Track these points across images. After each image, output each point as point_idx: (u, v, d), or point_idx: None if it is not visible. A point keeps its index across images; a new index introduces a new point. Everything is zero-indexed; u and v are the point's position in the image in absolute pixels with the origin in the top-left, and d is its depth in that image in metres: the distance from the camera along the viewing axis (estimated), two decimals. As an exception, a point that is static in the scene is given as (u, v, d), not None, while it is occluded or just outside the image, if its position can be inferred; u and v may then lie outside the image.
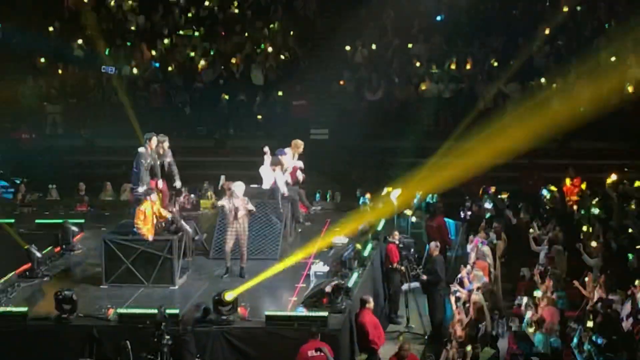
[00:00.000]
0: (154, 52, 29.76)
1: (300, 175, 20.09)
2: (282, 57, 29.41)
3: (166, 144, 18.12)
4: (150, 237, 16.90)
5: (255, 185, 19.43)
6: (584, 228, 20.87)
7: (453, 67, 28.35)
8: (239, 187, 17.56)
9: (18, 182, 25.01)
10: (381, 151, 27.04)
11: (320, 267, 17.33)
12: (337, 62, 29.06)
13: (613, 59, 27.24)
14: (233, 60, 29.22)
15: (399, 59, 28.90)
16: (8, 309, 15.72)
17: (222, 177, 21.55)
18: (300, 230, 20.32)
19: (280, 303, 16.37)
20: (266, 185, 19.31)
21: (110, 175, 25.08)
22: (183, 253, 17.46)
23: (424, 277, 18.79)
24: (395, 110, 27.79)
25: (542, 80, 27.30)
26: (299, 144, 20.01)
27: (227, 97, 28.43)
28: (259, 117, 28.19)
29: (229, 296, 15.23)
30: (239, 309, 15.31)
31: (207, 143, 28.02)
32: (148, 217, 16.92)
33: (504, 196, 23.16)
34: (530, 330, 16.29)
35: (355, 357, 15.80)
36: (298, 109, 27.89)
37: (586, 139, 26.36)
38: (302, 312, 15.40)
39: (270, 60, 29.03)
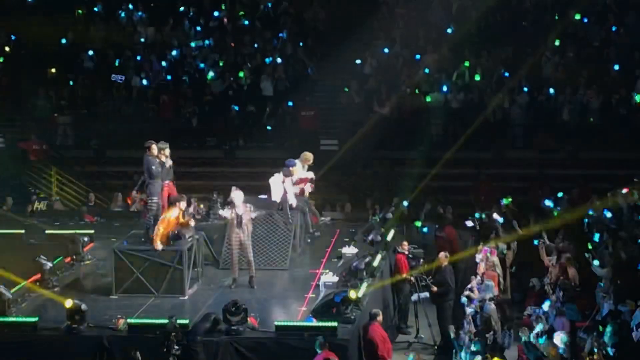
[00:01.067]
0: (163, 63, 29.81)
1: (309, 187, 20.08)
2: (291, 68, 29.42)
3: (167, 151, 17.93)
4: (160, 247, 16.94)
5: (263, 196, 19.45)
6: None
7: (462, 76, 28.29)
8: (237, 195, 17.63)
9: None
10: (390, 161, 27.02)
11: (329, 278, 17.33)
12: (346, 73, 29.07)
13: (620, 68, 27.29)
14: (242, 72, 29.25)
15: (408, 70, 28.89)
16: (19, 318, 15.79)
17: (233, 189, 21.54)
18: (309, 240, 20.34)
19: (290, 313, 16.40)
20: (275, 196, 19.30)
21: (121, 186, 25.11)
22: (193, 263, 17.49)
23: (434, 288, 18.81)
24: (404, 121, 27.76)
25: (551, 90, 27.27)
26: (309, 156, 19.98)
27: (236, 108, 28.46)
28: (269, 128, 28.21)
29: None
30: (248, 319, 15.33)
31: (216, 154, 28.05)
32: (171, 224, 16.94)
33: (509, 200, 23.11)
34: (540, 340, 16.26)
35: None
36: (307, 119, 27.89)
37: (595, 149, 26.35)
38: (312, 322, 15.43)
39: (279, 72, 29.06)
